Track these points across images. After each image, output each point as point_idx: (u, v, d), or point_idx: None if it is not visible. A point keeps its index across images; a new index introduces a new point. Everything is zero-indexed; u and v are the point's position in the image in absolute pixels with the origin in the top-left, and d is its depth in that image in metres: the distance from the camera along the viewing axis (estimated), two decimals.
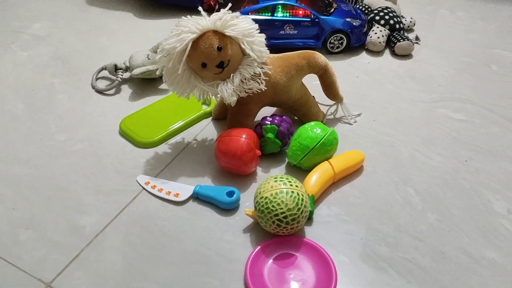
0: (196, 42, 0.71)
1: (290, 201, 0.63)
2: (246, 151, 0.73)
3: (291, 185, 0.65)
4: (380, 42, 1.10)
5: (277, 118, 0.80)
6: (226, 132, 0.76)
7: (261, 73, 0.76)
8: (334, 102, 0.88)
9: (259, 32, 0.75)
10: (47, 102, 0.94)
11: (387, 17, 1.13)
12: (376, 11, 1.14)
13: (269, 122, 0.79)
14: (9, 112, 0.90)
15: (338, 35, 1.08)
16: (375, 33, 1.10)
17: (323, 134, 0.76)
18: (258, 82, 0.76)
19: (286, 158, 0.81)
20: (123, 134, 0.85)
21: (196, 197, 0.73)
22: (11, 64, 1.04)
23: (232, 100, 0.75)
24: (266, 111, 0.90)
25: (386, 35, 1.11)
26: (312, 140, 0.75)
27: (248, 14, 1.05)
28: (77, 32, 1.17)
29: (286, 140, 0.80)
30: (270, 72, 0.78)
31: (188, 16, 0.73)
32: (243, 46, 0.73)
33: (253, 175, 0.78)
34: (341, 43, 1.10)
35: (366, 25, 1.11)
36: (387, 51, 1.13)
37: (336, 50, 1.11)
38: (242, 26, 0.73)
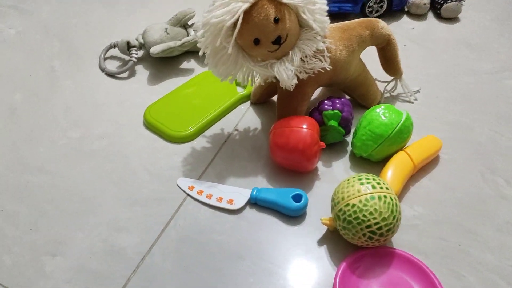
0: (247, 13, 0.56)
1: (384, 209, 0.52)
2: (311, 144, 0.61)
3: (381, 188, 0.53)
4: (424, 4, 0.97)
5: (337, 101, 0.67)
6: (283, 122, 0.63)
7: (325, 48, 0.62)
8: (393, 77, 0.76)
9: None
10: (50, 90, 0.78)
11: None
12: None
13: (330, 107, 0.66)
14: (6, 105, 0.75)
15: None
16: None
17: (399, 119, 0.63)
18: (321, 60, 0.63)
19: (348, 148, 0.69)
20: (150, 126, 0.71)
21: (254, 202, 0.61)
22: None
23: (292, 83, 0.61)
24: (316, 92, 0.77)
25: None
26: (386, 127, 0.63)
27: None
28: (63, 3, 0.99)
29: (349, 127, 0.68)
30: (334, 47, 0.64)
31: None
32: (304, 16, 0.59)
33: (314, 172, 0.66)
34: (381, 7, 0.97)
35: None
36: (430, 14, 1.00)
37: (375, 15, 0.98)
38: None
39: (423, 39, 0.93)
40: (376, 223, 0.51)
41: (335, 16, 0.96)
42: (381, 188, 0.53)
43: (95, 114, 0.74)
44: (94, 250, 0.55)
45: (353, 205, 0.52)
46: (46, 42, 0.88)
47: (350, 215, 0.52)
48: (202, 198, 0.61)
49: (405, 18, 0.99)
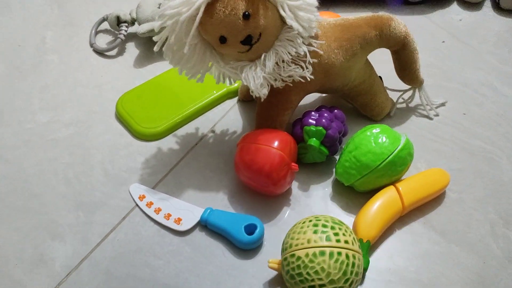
0: (212, 5, 0.46)
1: (334, 269, 0.42)
2: (278, 167, 0.51)
3: (338, 241, 0.43)
4: None
5: (325, 114, 0.56)
6: (252, 136, 0.54)
7: (308, 53, 0.51)
8: (410, 86, 0.63)
9: None
10: (34, 64, 0.74)
11: None
12: None
13: (313, 122, 0.55)
14: None
15: None
16: None
17: (393, 148, 0.51)
18: (302, 67, 0.52)
19: (334, 169, 0.58)
20: (120, 118, 0.65)
21: (204, 225, 0.53)
22: None
23: (262, 92, 0.51)
24: (309, 97, 0.65)
25: None
26: (375, 156, 0.51)
27: None
28: None
29: (336, 147, 0.56)
30: (321, 52, 0.53)
31: None
32: (282, 12, 0.48)
33: (285, 195, 0.56)
34: None
35: None
36: (487, 3, 0.82)
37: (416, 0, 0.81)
38: None
39: (469, 35, 0.76)
40: (321, 285, 0.42)
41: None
42: (338, 241, 0.43)
43: (70, 97, 0.69)
44: (22, 257, 0.51)
45: (298, 258, 0.43)
46: (46, 9, 0.83)
47: (293, 269, 0.43)
48: (150, 211, 0.55)
49: (454, 6, 0.81)
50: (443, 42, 0.75)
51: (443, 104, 0.65)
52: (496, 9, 0.80)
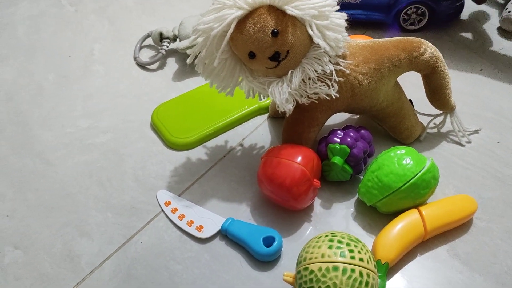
0: (243, 21, 0.49)
1: (346, 286, 0.42)
2: (299, 182, 0.52)
3: (352, 257, 0.43)
4: None
5: (351, 133, 0.56)
6: (275, 150, 0.55)
7: (334, 72, 0.52)
8: (442, 111, 0.62)
9: (338, 10, 0.51)
10: (81, 74, 0.79)
11: None
12: None
13: (338, 140, 0.55)
14: (37, 85, 0.77)
15: (417, 6, 0.77)
16: None
17: (417, 170, 0.51)
18: (328, 85, 0.53)
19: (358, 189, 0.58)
20: (154, 127, 0.68)
21: (225, 234, 0.54)
22: (54, 22, 0.90)
23: (287, 107, 0.52)
24: (339, 117, 0.66)
25: None
26: (397, 177, 0.51)
27: None
28: None
29: (360, 167, 0.57)
30: (348, 72, 0.53)
31: None
32: (310, 31, 0.50)
33: (307, 211, 0.56)
34: (421, 19, 0.79)
35: None
36: None
37: (414, 27, 0.80)
38: (311, 2, 0.49)
39: (509, 64, 0.74)
40: None
41: (364, 24, 0.82)
42: (353, 258, 0.43)
43: (110, 105, 0.73)
44: (52, 251, 0.54)
45: (311, 272, 0.43)
46: (97, 24, 0.89)
47: (306, 282, 0.43)
48: (174, 217, 0.56)
49: (494, 35, 0.80)
50: (481, 70, 0.74)
51: (476, 132, 0.64)
52: None
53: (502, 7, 0.85)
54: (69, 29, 0.89)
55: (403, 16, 0.79)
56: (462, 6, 0.81)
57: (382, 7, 0.78)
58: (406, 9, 0.78)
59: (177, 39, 0.79)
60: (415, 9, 0.78)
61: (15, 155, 0.66)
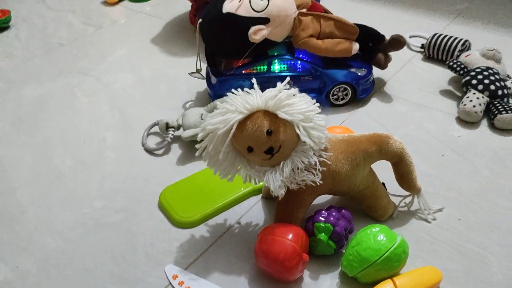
0: (243, 122, 0.60)
1: None
2: (291, 256, 0.61)
3: None
4: (476, 112, 0.91)
5: (333, 213, 0.66)
6: (270, 229, 0.64)
7: (318, 163, 0.63)
8: (410, 193, 0.73)
9: (318, 113, 0.63)
10: (95, 159, 0.89)
11: (486, 81, 0.93)
12: (473, 73, 0.96)
13: (323, 219, 0.65)
14: (56, 169, 0.87)
15: (342, 86, 0.96)
16: (470, 100, 0.92)
17: (389, 245, 0.60)
18: (313, 174, 0.63)
19: (340, 262, 0.66)
20: (162, 207, 0.77)
21: None
22: (71, 112, 1.02)
23: (279, 193, 0.63)
24: (323, 198, 0.76)
25: (484, 103, 0.92)
26: (374, 252, 0.60)
27: (243, 72, 0.93)
28: (139, 77, 1.13)
29: (342, 242, 0.66)
30: (329, 162, 0.65)
31: (238, 91, 0.63)
32: (298, 131, 0.61)
33: (298, 282, 0.65)
34: (346, 94, 0.97)
35: (372, 74, 0.99)
36: (484, 122, 0.93)
37: (341, 102, 0.98)
38: (298, 108, 0.61)
39: (467, 150, 0.87)
40: None
41: None
42: None
43: (122, 188, 0.82)
44: None
45: None
46: (108, 114, 1.01)
47: None
48: None
49: (454, 124, 0.93)
50: (443, 155, 0.86)
51: (440, 210, 0.74)
52: (492, 128, 0.91)
53: (459, 99, 0.99)
54: (84, 118, 1.00)
55: (332, 94, 0.97)
56: (374, 82, 1.01)
57: (315, 90, 0.96)
58: (333, 89, 0.96)
59: (181, 128, 0.90)
60: (341, 89, 0.96)
61: (38, 234, 0.74)
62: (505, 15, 1.34)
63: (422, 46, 1.15)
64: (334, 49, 0.92)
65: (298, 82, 0.94)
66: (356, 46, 0.94)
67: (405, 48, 1.18)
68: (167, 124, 0.90)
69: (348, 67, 0.96)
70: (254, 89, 0.63)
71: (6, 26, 1.35)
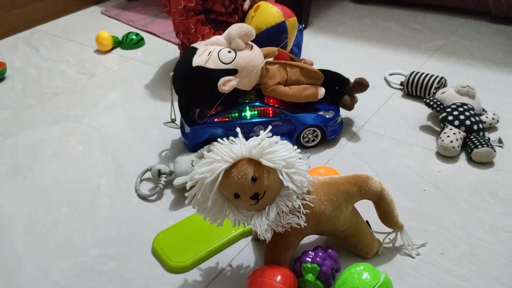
0: (229, 170, 0.64)
1: None
2: None
3: None
4: (453, 147, 0.95)
5: (320, 254, 0.69)
6: (259, 271, 0.67)
7: (301, 206, 0.67)
8: (392, 229, 0.76)
9: (299, 158, 0.67)
10: (90, 206, 0.92)
11: (462, 116, 0.98)
12: (449, 110, 1.01)
13: (310, 259, 0.68)
14: (52, 218, 0.89)
15: (311, 129, 1.00)
16: (448, 136, 0.96)
17: (373, 283, 0.63)
18: (297, 216, 0.67)
19: None
20: (155, 253, 0.80)
21: None
22: (66, 159, 1.05)
23: (266, 236, 0.66)
24: (310, 237, 0.79)
25: (461, 138, 0.97)
26: None
27: (215, 120, 0.97)
28: (131, 122, 1.17)
29: (329, 281, 0.69)
30: (312, 204, 0.68)
31: (224, 140, 0.67)
32: (281, 177, 0.65)
33: None
34: (316, 136, 1.02)
35: (340, 115, 1.04)
36: (462, 156, 0.98)
37: (311, 144, 1.02)
38: (280, 155, 0.65)
39: (447, 184, 0.90)
40: None
41: None
42: None
43: (116, 234, 0.85)
44: None
45: None
46: (102, 160, 1.04)
47: None
48: None
49: (433, 159, 0.98)
50: (424, 190, 0.89)
51: (423, 245, 0.78)
52: (470, 161, 0.96)
53: (438, 133, 1.03)
54: (79, 165, 1.03)
55: (302, 137, 1.01)
56: (342, 123, 1.05)
57: (286, 133, 1.00)
58: (303, 132, 1.00)
59: (173, 174, 0.94)
60: (310, 131, 1.00)
61: (35, 283, 0.76)
62: (479, 50, 1.41)
63: (401, 84, 1.21)
64: (301, 94, 0.97)
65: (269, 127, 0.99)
66: (322, 91, 0.99)
67: (385, 85, 1.25)
68: (159, 171, 0.93)
69: (316, 110, 1.01)
70: (238, 137, 0.67)
71: (2, 77, 1.40)
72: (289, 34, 1.16)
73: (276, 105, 0.99)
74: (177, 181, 0.88)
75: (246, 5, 1.24)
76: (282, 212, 0.66)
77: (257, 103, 0.98)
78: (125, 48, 1.55)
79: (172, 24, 1.25)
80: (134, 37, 1.56)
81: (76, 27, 1.76)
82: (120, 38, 1.57)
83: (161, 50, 1.54)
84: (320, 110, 1.01)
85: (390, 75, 1.27)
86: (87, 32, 1.69)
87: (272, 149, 0.65)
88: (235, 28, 0.94)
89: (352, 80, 1.03)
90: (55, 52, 1.57)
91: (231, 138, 0.67)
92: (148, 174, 0.99)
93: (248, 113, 0.99)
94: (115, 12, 1.84)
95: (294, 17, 1.17)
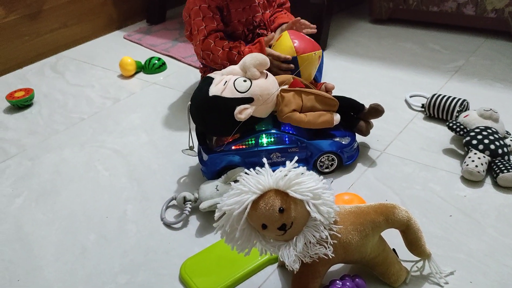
0: (256, 201, 0.65)
1: None
2: None
3: None
4: (478, 172, 0.95)
5: (347, 283, 0.69)
6: None
7: (329, 236, 0.67)
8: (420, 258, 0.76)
9: (326, 189, 0.68)
10: (117, 233, 0.93)
11: (486, 140, 0.98)
12: (473, 134, 1.00)
13: None
14: (80, 245, 0.91)
15: (328, 155, 1.01)
16: (472, 161, 0.96)
17: None
18: (325, 247, 0.67)
19: None
20: (183, 281, 0.80)
21: None
22: (91, 185, 1.08)
23: (294, 267, 0.66)
24: (337, 265, 0.79)
25: (486, 162, 0.96)
26: None
27: (232, 148, 0.98)
28: (155, 148, 1.19)
29: None
30: (339, 235, 0.68)
31: (251, 171, 0.68)
32: (308, 208, 0.65)
33: None
34: (332, 162, 1.02)
35: (356, 141, 1.04)
36: (488, 180, 0.97)
37: (327, 170, 1.03)
38: (307, 186, 0.65)
39: (474, 209, 0.90)
40: None
41: None
42: None
43: (143, 262, 0.86)
44: None
45: None
46: (128, 186, 1.06)
47: None
48: None
49: (459, 184, 0.97)
50: (451, 216, 0.89)
51: (451, 273, 0.77)
52: (496, 186, 0.95)
53: (462, 157, 1.03)
54: (105, 191, 1.05)
55: (319, 163, 1.01)
56: (358, 149, 1.05)
57: (302, 160, 1.01)
58: (320, 159, 1.01)
59: (198, 200, 0.95)
60: (326, 157, 1.01)
61: None
62: (500, 70, 1.40)
63: (423, 106, 1.21)
64: (316, 121, 0.98)
65: (286, 154, 1.00)
66: (337, 117, 1.00)
67: (406, 107, 1.25)
68: (184, 198, 0.95)
69: (332, 136, 1.02)
70: (265, 168, 0.68)
71: (30, 103, 1.45)
72: (301, 67, 1.15)
73: (292, 132, 1.00)
74: (203, 205, 0.89)
75: (267, 39, 1.21)
76: (310, 242, 0.67)
77: (273, 130, 0.99)
78: (148, 72, 1.59)
79: (193, 47, 1.28)
80: (156, 61, 1.59)
81: (99, 52, 1.81)
82: (142, 62, 1.61)
83: (183, 74, 1.58)
84: (336, 136, 1.02)
85: (410, 97, 1.27)
86: (111, 57, 1.73)
87: (299, 180, 0.66)
88: (250, 58, 0.96)
89: (367, 105, 1.04)
90: (80, 77, 1.62)
91: (257, 168, 0.69)
92: (173, 202, 1.00)
93: (264, 140, 1.00)
94: (137, 37, 1.89)
95: (310, 52, 1.15)
